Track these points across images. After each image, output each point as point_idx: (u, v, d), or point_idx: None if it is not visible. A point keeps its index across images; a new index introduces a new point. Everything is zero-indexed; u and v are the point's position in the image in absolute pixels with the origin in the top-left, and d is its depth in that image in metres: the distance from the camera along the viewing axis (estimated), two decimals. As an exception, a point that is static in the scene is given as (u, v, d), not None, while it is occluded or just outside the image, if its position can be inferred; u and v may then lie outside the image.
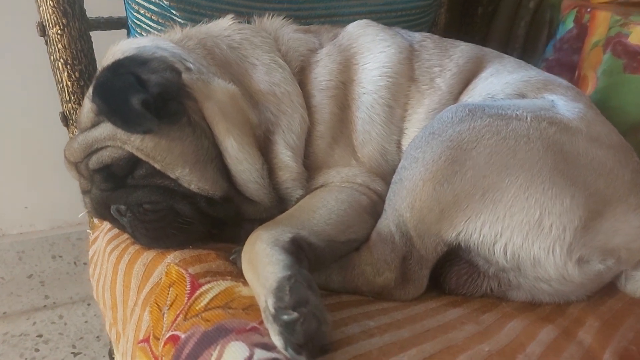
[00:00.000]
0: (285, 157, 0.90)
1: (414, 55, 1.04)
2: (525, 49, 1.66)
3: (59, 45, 1.19)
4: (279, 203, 0.93)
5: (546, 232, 0.78)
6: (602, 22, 1.36)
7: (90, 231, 1.21)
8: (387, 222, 0.85)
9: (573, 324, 0.81)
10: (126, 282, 0.90)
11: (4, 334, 1.77)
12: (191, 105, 0.86)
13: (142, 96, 0.78)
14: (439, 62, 1.03)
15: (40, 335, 1.78)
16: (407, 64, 1.02)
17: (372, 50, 1.03)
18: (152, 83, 0.81)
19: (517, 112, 0.83)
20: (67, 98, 1.23)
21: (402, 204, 0.83)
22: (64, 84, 1.22)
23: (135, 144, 0.82)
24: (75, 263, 2.08)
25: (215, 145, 0.87)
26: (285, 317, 0.62)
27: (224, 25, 1.02)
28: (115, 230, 0.99)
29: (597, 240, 0.81)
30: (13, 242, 2.04)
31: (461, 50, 1.06)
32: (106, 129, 0.83)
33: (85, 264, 2.03)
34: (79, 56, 1.21)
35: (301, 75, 0.99)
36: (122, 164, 0.83)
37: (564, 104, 0.91)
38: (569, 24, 1.46)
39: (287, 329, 0.62)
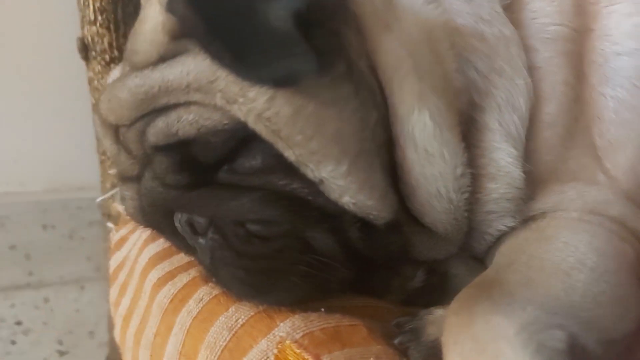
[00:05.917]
0: (504, 156, 0.53)
1: None
2: None
3: None
4: (460, 234, 0.55)
5: None
6: None
7: (111, 225, 0.80)
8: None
9: None
10: (191, 349, 0.51)
11: (-26, 316, 1.55)
12: (354, 40, 0.48)
13: (294, 4, 0.41)
14: None
15: (19, 323, 1.55)
16: None
17: None
18: None
19: None
20: (91, 17, 0.96)
21: None
22: (88, -4, 0.93)
23: (257, 105, 0.44)
24: (70, 236, 1.83)
25: (384, 121, 0.48)
26: None
27: None
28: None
29: None
30: (-5, 203, 1.78)
31: None
32: (196, 66, 0.46)
33: (83, 238, 1.81)
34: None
35: (510, 10, 0.61)
36: (218, 142, 0.46)
37: None
38: None
39: None
